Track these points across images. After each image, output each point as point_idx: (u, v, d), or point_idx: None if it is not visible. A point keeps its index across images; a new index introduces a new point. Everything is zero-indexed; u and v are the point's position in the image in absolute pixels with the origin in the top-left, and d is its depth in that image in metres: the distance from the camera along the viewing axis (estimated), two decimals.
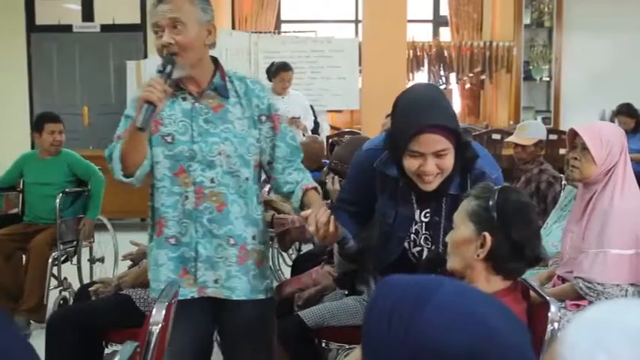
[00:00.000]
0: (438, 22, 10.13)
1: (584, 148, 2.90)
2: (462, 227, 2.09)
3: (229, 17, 9.81)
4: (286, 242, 3.87)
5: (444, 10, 10.00)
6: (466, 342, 1.02)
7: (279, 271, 5.66)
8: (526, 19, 9.22)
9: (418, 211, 2.48)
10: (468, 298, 1.08)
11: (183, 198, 2.47)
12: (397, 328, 1.06)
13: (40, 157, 5.03)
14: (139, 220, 7.74)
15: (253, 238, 2.55)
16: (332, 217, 2.39)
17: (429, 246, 2.51)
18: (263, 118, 2.53)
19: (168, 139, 2.46)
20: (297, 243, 5.15)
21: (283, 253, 5.70)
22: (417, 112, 2.26)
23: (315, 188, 2.60)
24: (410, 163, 2.27)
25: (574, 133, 2.96)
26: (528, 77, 9.31)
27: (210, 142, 2.46)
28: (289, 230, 3.62)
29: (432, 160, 2.25)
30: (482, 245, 2.05)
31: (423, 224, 2.49)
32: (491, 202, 2.05)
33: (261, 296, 2.57)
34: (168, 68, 2.33)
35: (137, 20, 9.57)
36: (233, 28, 9.58)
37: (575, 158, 2.95)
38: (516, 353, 1.04)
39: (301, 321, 3.17)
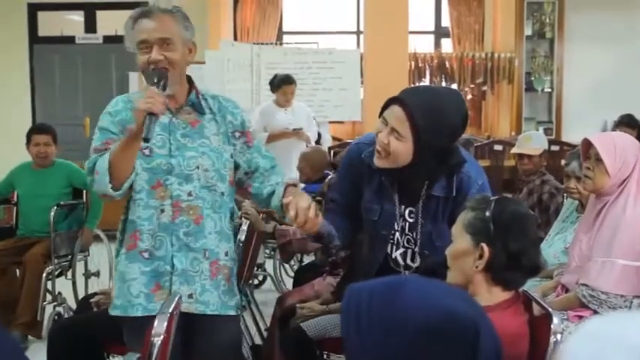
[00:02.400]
0: (440, 33, 10.15)
1: (598, 158, 2.86)
2: (460, 239, 2.10)
3: (231, 28, 9.84)
4: (288, 253, 3.87)
5: (446, 22, 10.02)
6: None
7: (282, 282, 5.66)
8: (527, 31, 9.24)
9: (402, 208, 2.52)
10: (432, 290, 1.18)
11: (158, 211, 2.48)
12: (373, 329, 1.14)
13: (34, 169, 4.97)
14: None
15: (226, 254, 2.57)
16: (313, 203, 2.42)
17: (412, 247, 2.54)
18: (237, 134, 2.58)
19: (147, 151, 2.47)
20: (298, 254, 5.14)
21: (285, 264, 5.70)
22: (406, 90, 2.41)
23: (295, 185, 2.62)
24: (376, 130, 2.40)
25: (588, 143, 2.93)
26: (530, 88, 9.31)
27: (187, 156, 2.48)
28: (291, 242, 3.62)
29: (388, 134, 2.35)
30: (480, 256, 2.05)
31: (407, 224, 2.53)
32: (487, 213, 2.06)
33: (232, 312, 2.59)
34: (163, 82, 2.36)
35: None
36: (235, 39, 9.61)
37: (589, 168, 2.92)
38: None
39: (303, 332, 3.17)
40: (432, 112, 2.33)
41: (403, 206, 2.52)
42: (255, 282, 5.70)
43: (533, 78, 9.31)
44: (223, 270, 2.56)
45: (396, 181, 2.50)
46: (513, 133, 8.47)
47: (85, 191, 4.94)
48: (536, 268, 2.10)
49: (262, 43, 9.13)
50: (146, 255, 2.48)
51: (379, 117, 2.40)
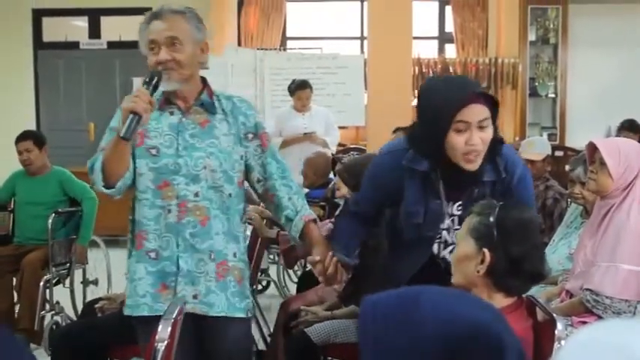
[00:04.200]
0: (444, 38, 10.16)
1: (602, 162, 2.89)
2: (464, 243, 2.10)
3: (235, 34, 9.86)
4: (291, 259, 3.87)
5: (450, 27, 10.03)
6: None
7: (285, 288, 5.66)
8: (531, 36, 9.24)
9: (450, 204, 2.46)
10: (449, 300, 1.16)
11: (165, 211, 2.47)
12: (392, 345, 1.13)
13: (29, 176, 4.90)
14: None
15: (234, 255, 2.56)
16: (338, 264, 2.48)
17: None
18: (250, 135, 2.57)
19: (153, 151, 2.47)
20: (302, 260, 5.15)
21: (289, 269, 5.70)
22: (458, 85, 2.28)
23: (314, 220, 2.62)
24: (455, 140, 2.25)
25: (593, 147, 2.95)
26: (534, 93, 9.31)
27: (195, 157, 2.47)
28: (294, 247, 3.62)
29: (476, 133, 2.25)
30: (482, 261, 2.05)
31: (456, 218, 2.47)
32: (491, 219, 2.06)
33: (240, 315, 2.56)
34: (154, 81, 2.36)
35: None
36: (239, 44, 9.63)
37: (592, 171, 2.95)
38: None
39: (307, 337, 3.17)
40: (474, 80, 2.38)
41: (450, 202, 2.46)
42: (259, 287, 5.70)
43: (537, 83, 9.31)
44: (233, 271, 2.55)
45: (441, 176, 2.43)
46: (517, 139, 8.47)
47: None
48: (539, 275, 2.10)
49: (266, 49, 9.14)
50: (153, 255, 2.48)
51: (442, 131, 2.26)
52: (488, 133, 2.28)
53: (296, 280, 5.24)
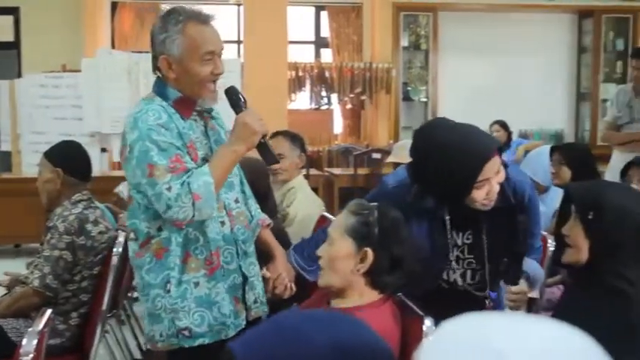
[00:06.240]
0: (320, 43, 10.28)
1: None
2: (340, 243, 2.13)
3: (109, 37, 9.61)
4: None
5: (325, 32, 10.16)
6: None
7: None
8: (404, 42, 9.49)
9: (460, 235, 2.46)
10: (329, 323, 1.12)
11: (220, 224, 2.37)
12: None
13: None
14: (13, 247, 7.42)
15: None
16: (288, 284, 2.56)
17: (474, 266, 2.48)
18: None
19: (200, 162, 2.35)
20: None
21: None
22: (476, 149, 2.22)
23: (268, 225, 2.64)
24: (477, 195, 2.25)
25: None
26: (407, 98, 9.58)
27: None
28: None
29: (494, 180, 2.27)
30: (362, 260, 2.10)
31: (466, 247, 2.47)
32: (371, 218, 2.11)
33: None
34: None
35: (11, 38, 9.24)
36: (113, 47, 9.38)
37: None
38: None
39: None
40: (478, 129, 2.35)
41: (460, 232, 2.45)
42: (135, 295, 5.57)
43: (409, 88, 9.58)
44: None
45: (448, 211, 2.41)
46: (391, 142, 8.68)
47: None
48: (414, 273, 2.17)
49: (141, 52, 8.95)
50: (222, 272, 2.37)
51: (463, 190, 2.25)
52: (503, 173, 2.30)
53: None
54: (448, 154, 2.21)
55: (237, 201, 2.46)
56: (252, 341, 1.12)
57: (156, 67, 2.41)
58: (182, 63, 2.32)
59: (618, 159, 5.67)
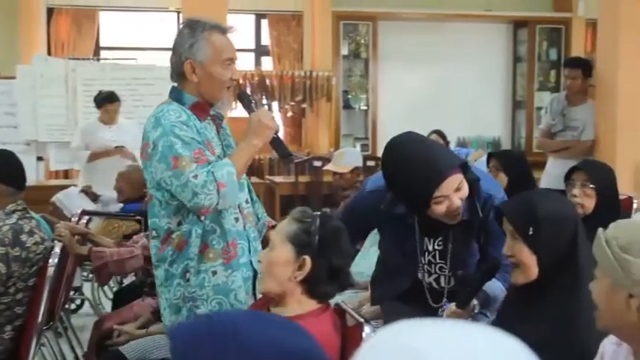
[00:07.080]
0: (260, 51, 10.27)
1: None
2: (280, 248, 2.14)
3: (45, 43, 9.42)
4: (105, 276, 3.76)
5: (266, 40, 10.16)
6: None
7: (100, 305, 5.47)
8: (344, 50, 9.55)
9: (432, 241, 2.60)
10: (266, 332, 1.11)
11: (234, 220, 2.53)
12: None
13: None
14: None
15: None
16: None
17: (446, 272, 2.62)
18: None
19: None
20: (118, 276, 5.00)
21: (104, 286, 5.52)
22: (430, 167, 2.34)
23: (273, 227, 2.70)
24: (437, 209, 2.38)
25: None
26: (347, 106, 9.63)
27: None
28: (107, 264, 3.53)
29: (455, 197, 2.37)
30: (300, 268, 2.11)
31: (437, 252, 2.60)
32: (313, 227, 2.12)
33: None
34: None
35: None
36: (49, 53, 9.20)
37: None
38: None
39: (122, 356, 3.09)
40: (440, 147, 2.57)
41: (431, 239, 2.60)
42: (73, 306, 5.47)
43: (350, 96, 9.64)
44: None
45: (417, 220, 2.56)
46: (332, 149, 8.71)
47: None
48: (348, 284, 2.20)
49: (78, 58, 8.81)
50: (237, 262, 2.52)
51: (422, 205, 2.39)
52: (465, 190, 2.41)
53: (111, 296, 5.09)
54: (409, 168, 2.35)
55: (247, 202, 2.62)
56: (189, 329, 1.14)
57: (175, 74, 2.56)
58: (206, 67, 2.50)
59: (553, 165, 5.83)
